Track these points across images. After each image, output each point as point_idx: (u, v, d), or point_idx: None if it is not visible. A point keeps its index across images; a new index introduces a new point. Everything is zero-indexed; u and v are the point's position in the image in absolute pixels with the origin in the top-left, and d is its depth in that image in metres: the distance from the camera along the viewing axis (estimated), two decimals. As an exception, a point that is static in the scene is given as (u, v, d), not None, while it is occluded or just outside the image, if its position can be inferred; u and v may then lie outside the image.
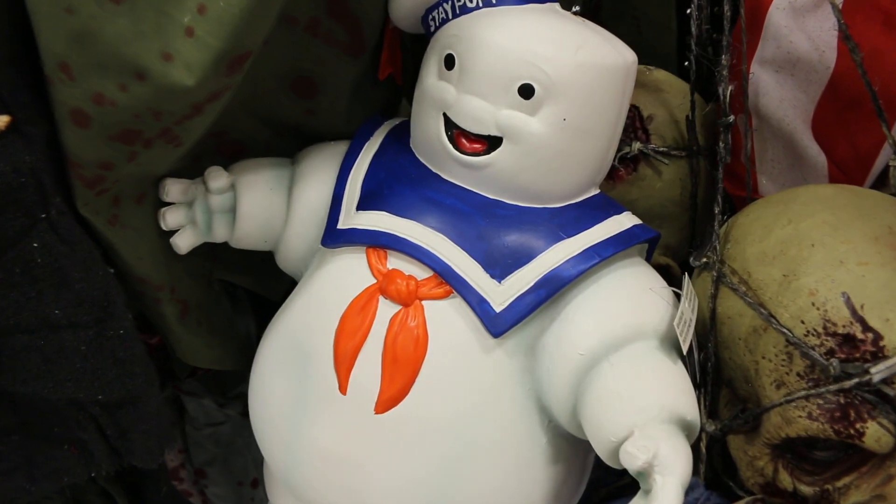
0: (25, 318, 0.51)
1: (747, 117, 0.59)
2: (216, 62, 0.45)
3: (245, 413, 0.88)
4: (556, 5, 0.52)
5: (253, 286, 0.69)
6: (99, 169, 0.50)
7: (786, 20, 0.58)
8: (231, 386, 0.86)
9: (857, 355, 0.45)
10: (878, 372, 0.44)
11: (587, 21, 0.52)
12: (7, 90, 0.47)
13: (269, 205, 0.57)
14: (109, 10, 0.44)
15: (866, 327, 0.45)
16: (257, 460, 0.92)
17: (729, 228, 0.55)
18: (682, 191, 0.63)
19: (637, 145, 0.61)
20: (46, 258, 0.50)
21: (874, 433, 0.45)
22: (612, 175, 0.61)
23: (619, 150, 0.59)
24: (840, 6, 0.57)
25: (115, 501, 0.73)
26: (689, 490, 0.53)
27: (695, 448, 0.54)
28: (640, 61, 0.64)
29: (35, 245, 0.50)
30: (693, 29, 0.60)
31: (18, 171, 0.47)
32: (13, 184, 0.47)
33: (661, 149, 0.62)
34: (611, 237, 0.50)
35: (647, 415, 0.45)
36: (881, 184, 0.59)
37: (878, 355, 0.45)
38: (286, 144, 0.60)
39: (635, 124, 0.62)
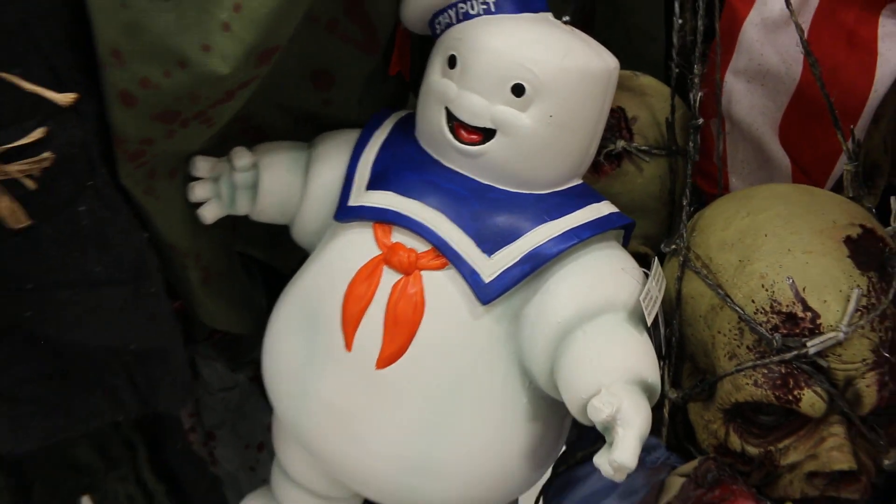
0: (71, 274, 0.58)
1: (720, 122, 0.66)
2: (248, 54, 0.52)
3: (254, 378, 0.95)
4: (549, 15, 0.59)
5: (268, 258, 0.76)
6: (140, 144, 0.57)
7: (758, 35, 0.64)
8: (242, 353, 0.93)
9: (798, 331, 0.52)
10: (813, 346, 0.51)
11: (575, 30, 0.59)
12: (65, 70, 0.53)
13: (287, 183, 0.64)
14: (158, 6, 0.50)
15: (806, 307, 0.52)
16: (264, 425, 0.99)
17: (697, 220, 0.61)
18: (661, 187, 0.70)
19: (621, 143, 0.68)
20: (91, 221, 0.57)
21: (809, 399, 0.52)
22: (597, 170, 0.67)
23: (604, 147, 0.66)
24: (809, 23, 0.64)
25: (136, 450, 0.80)
26: (652, 450, 0.61)
27: (659, 414, 0.61)
28: (630, 67, 0.71)
29: (82, 209, 0.57)
30: (674, 40, 0.66)
31: (72, 143, 0.54)
32: (66, 155, 0.54)
33: (643, 147, 0.68)
34: (589, 221, 0.57)
35: (613, 376, 0.52)
36: (840, 186, 0.65)
37: (815, 332, 0.52)
38: (304, 130, 0.67)
39: (620, 124, 0.69)
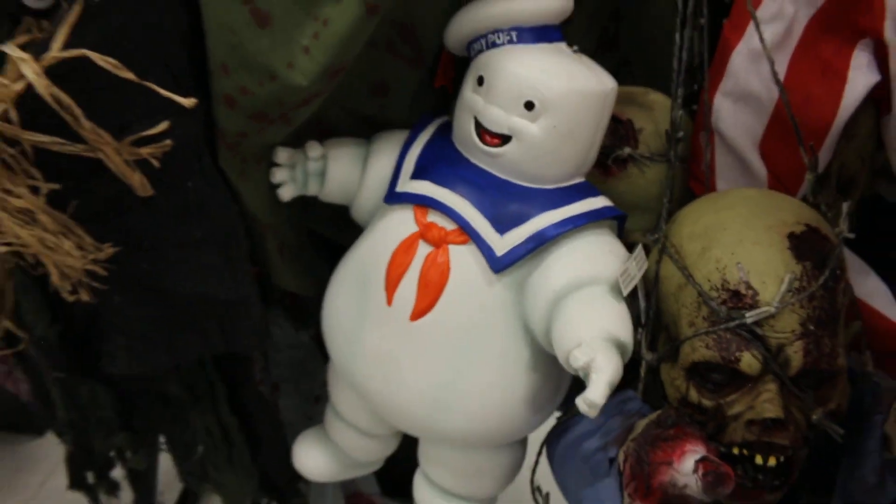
0: (179, 237, 0.78)
1: (709, 135, 0.81)
2: (322, 72, 0.70)
3: (314, 338, 1.14)
4: (563, 45, 0.75)
5: (330, 233, 0.94)
6: (237, 137, 0.76)
7: (744, 63, 0.79)
8: (306, 316, 1.12)
9: (741, 305, 0.67)
10: (751, 317, 0.66)
11: (583, 56, 0.75)
12: (184, 78, 0.73)
13: (349, 172, 0.82)
14: (257, 33, 0.69)
15: (749, 287, 0.67)
16: (321, 381, 1.18)
17: (677, 215, 0.77)
18: (660, 188, 0.85)
19: (627, 150, 0.83)
20: (196, 196, 0.77)
21: (747, 360, 0.67)
22: (606, 171, 0.84)
23: (613, 152, 0.82)
24: (791, 54, 0.78)
25: (216, 389, 1.00)
26: (629, 401, 0.77)
27: (636, 372, 0.77)
28: (649, 84, 0.86)
29: (189, 185, 0.76)
30: (675, 64, 0.81)
31: (186, 134, 0.73)
32: (182, 143, 0.73)
33: (646, 155, 0.84)
34: (584, 212, 0.73)
35: (592, 333, 0.68)
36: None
37: (754, 306, 0.67)
38: (364, 129, 0.85)
39: (628, 134, 0.84)
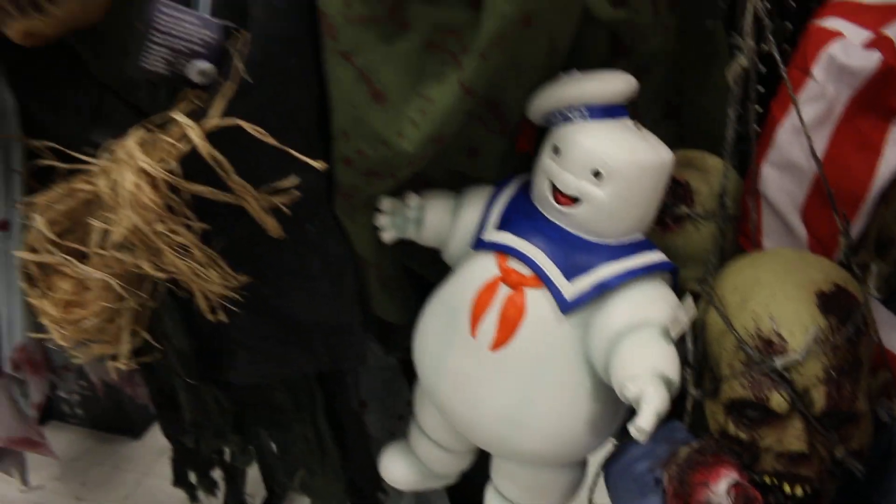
0: (298, 269, 0.95)
1: (755, 199, 0.94)
2: (426, 141, 0.86)
3: (401, 361, 1.30)
4: (627, 120, 0.89)
5: (422, 270, 1.10)
6: (351, 189, 0.92)
7: (788, 136, 0.92)
8: (394, 342, 1.28)
9: (772, 352, 0.80)
10: (780, 362, 0.79)
11: (644, 131, 0.89)
12: (312, 140, 0.90)
13: (442, 220, 0.98)
14: (374, 107, 0.86)
15: (779, 336, 0.80)
16: (404, 401, 1.34)
17: (723, 269, 0.90)
18: (712, 244, 0.98)
19: (684, 209, 0.97)
20: (315, 236, 0.94)
21: (777, 399, 0.80)
22: (665, 226, 0.97)
23: (672, 210, 0.96)
24: (834, 128, 0.91)
25: (316, 401, 1.17)
26: (676, 430, 0.90)
27: (683, 406, 0.90)
28: (706, 148, 1.00)
29: (309, 227, 0.93)
30: (728, 135, 0.94)
31: (311, 187, 0.90)
32: (306, 193, 0.90)
33: (701, 213, 0.97)
34: (642, 265, 0.87)
35: (644, 369, 0.81)
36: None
37: (783, 353, 0.80)
38: (456, 183, 1.00)
39: (686, 194, 0.98)
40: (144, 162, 0.83)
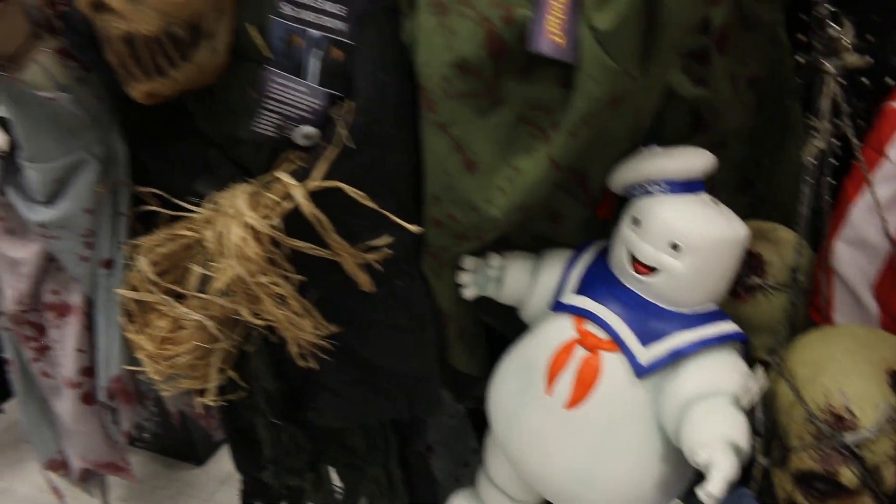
0: (384, 321, 1.01)
1: (827, 273, 0.98)
2: (514, 209, 0.92)
3: (468, 410, 1.35)
4: (705, 195, 0.94)
5: (497, 325, 1.15)
6: (439, 250, 0.99)
7: (862, 214, 0.95)
8: (464, 391, 1.33)
9: (843, 427, 0.83)
10: (850, 438, 0.82)
11: (721, 205, 0.94)
12: (405, 202, 0.96)
13: (522, 280, 1.04)
14: (466, 175, 0.92)
15: (850, 412, 0.83)
16: (469, 448, 1.38)
17: (794, 341, 0.94)
18: (782, 315, 1.02)
19: (755, 279, 1.01)
20: (402, 291, 1.00)
21: (847, 475, 0.83)
22: (736, 296, 1.01)
23: (743, 280, 1.00)
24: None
25: (389, 445, 1.22)
26: (744, 497, 0.93)
27: (751, 472, 0.93)
28: (778, 220, 1.04)
29: (397, 283, 0.99)
30: (801, 211, 0.98)
31: (403, 247, 0.97)
32: (398, 252, 0.96)
33: (772, 284, 1.01)
34: (716, 335, 0.91)
35: (714, 436, 0.85)
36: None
37: (854, 429, 0.83)
38: (536, 245, 1.06)
39: (757, 265, 1.02)
40: (251, 218, 0.90)
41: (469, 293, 1.05)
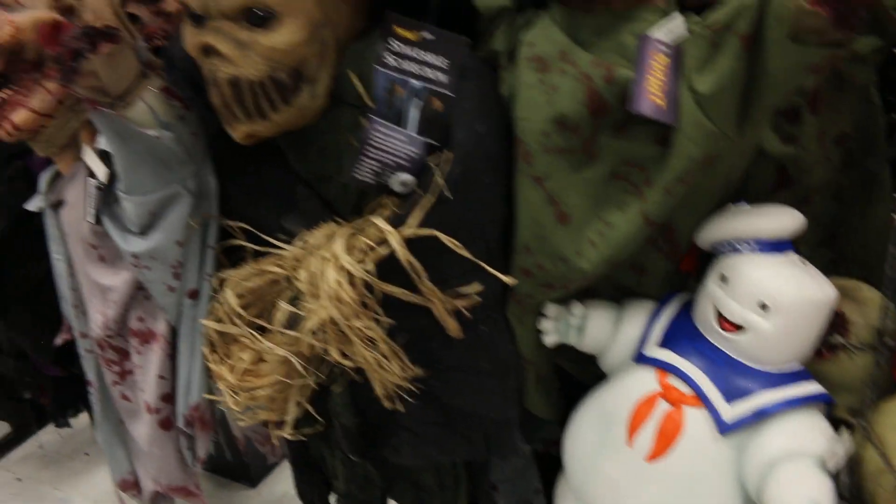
0: (468, 365, 1.03)
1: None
2: (603, 262, 0.94)
3: (534, 451, 1.36)
4: (793, 254, 0.95)
5: (577, 373, 1.17)
6: (525, 297, 1.01)
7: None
8: (535, 434, 1.34)
9: (930, 495, 0.84)
10: (938, 507, 0.83)
11: (809, 265, 0.95)
12: (496, 251, 0.98)
13: (604, 329, 1.05)
14: (558, 227, 0.94)
15: (939, 480, 0.84)
16: (533, 488, 1.39)
17: (882, 404, 0.94)
18: (866, 375, 1.02)
19: (838, 338, 1.01)
20: (486, 336, 1.02)
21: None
22: (818, 354, 1.02)
23: (825, 339, 1.01)
24: None
25: (459, 483, 1.24)
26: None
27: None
28: (861, 277, 1.05)
29: (482, 328, 1.02)
30: (888, 271, 0.99)
31: (490, 294, 0.99)
32: (485, 299, 0.99)
33: (856, 344, 1.02)
34: (801, 396, 0.92)
35: (799, 499, 0.86)
36: None
37: (942, 499, 0.83)
38: (618, 295, 1.07)
39: (841, 324, 1.02)
40: (348, 262, 0.93)
41: (550, 340, 1.07)
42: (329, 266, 0.95)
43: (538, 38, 0.94)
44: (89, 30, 1.00)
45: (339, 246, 0.95)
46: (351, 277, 0.94)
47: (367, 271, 0.94)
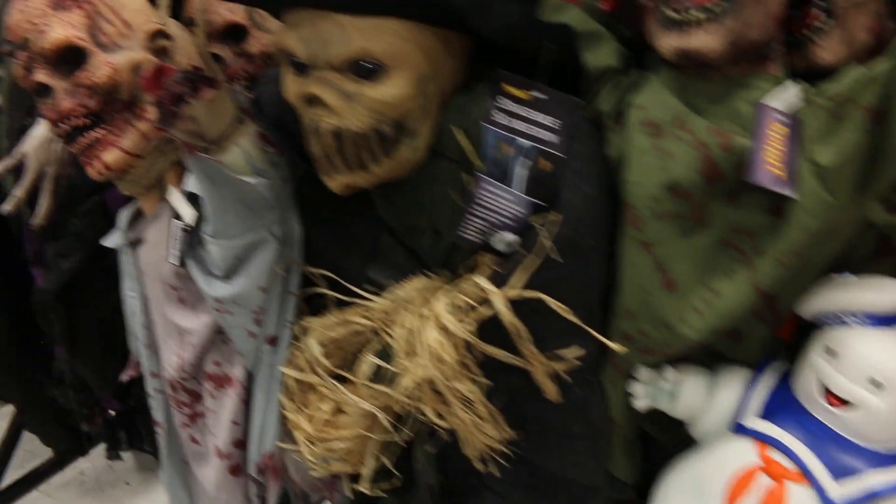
0: (560, 428, 1.01)
1: None
2: (709, 330, 0.92)
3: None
4: (902, 331, 0.93)
5: (664, 438, 1.14)
6: (622, 362, 0.99)
7: None
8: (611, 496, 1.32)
9: None
10: None
11: (919, 344, 0.93)
12: (596, 314, 0.97)
13: (697, 396, 1.03)
14: (664, 294, 0.92)
15: None
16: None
17: None
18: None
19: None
20: (581, 399, 1.00)
21: None
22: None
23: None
24: None
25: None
26: None
27: None
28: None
29: (577, 391, 1.00)
30: None
31: (589, 357, 0.97)
32: (584, 362, 0.97)
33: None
34: (911, 477, 0.90)
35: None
36: None
37: None
38: (710, 360, 1.05)
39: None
40: (450, 322, 0.91)
41: (642, 404, 1.05)
42: (429, 324, 0.94)
43: (650, 101, 0.93)
44: (191, 74, 0.99)
45: (441, 304, 0.94)
46: (452, 337, 0.93)
47: (469, 331, 0.93)
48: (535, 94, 0.93)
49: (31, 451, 2.18)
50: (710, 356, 1.06)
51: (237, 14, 1.33)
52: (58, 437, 1.86)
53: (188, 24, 1.29)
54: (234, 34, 1.34)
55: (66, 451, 2.02)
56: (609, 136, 0.97)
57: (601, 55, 0.97)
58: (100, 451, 1.99)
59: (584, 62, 0.96)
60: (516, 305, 0.93)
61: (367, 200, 1.10)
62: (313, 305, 1.17)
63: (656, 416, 1.08)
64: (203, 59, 1.27)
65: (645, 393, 1.05)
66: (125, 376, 1.38)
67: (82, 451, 1.96)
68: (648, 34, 0.93)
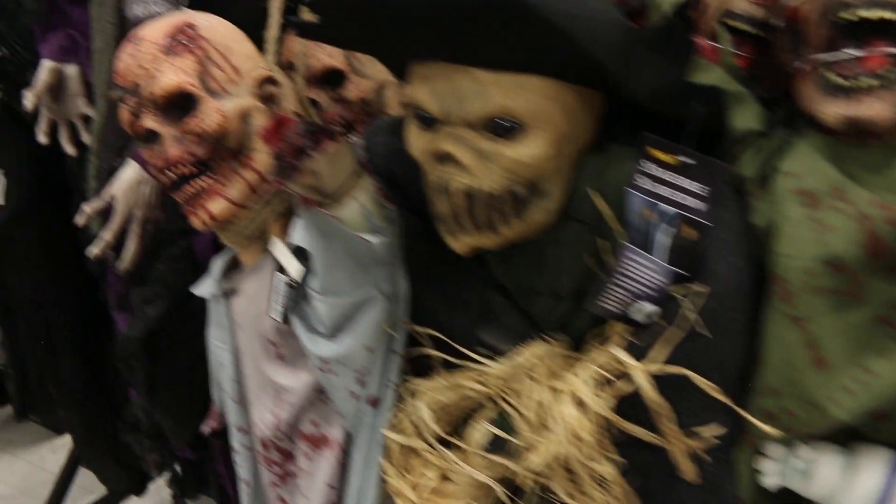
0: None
1: None
2: (864, 413, 0.87)
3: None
4: None
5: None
6: (759, 439, 0.93)
7: None
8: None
9: None
10: None
11: None
12: (735, 389, 0.92)
13: (832, 477, 0.97)
14: (812, 371, 0.87)
15: None
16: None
17: None
18: None
19: None
20: (712, 477, 0.95)
21: None
22: None
23: None
24: None
25: None
26: None
27: None
28: None
29: (709, 468, 0.94)
30: None
31: (727, 436, 0.92)
32: (721, 440, 0.92)
33: None
34: None
35: None
36: None
37: None
38: (846, 439, 1.00)
39: None
40: (589, 397, 0.86)
41: (770, 482, 1.00)
42: (564, 398, 0.89)
43: (803, 169, 0.88)
44: (313, 127, 0.95)
45: (580, 379, 0.89)
46: (590, 413, 0.88)
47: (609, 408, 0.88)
48: (683, 158, 0.89)
49: (83, 487, 2.14)
50: (844, 434, 1.00)
51: (335, 59, 1.30)
52: (116, 476, 1.81)
53: (287, 68, 1.26)
54: (331, 79, 1.30)
55: (119, 490, 1.97)
56: (754, 203, 0.92)
57: (747, 117, 0.93)
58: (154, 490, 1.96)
59: (731, 125, 0.92)
60: (657, 381, 0.88)
61: (478, 258, 1.05)
62: (417, 366, 1.13)
63: (786, 496, 1.03)
64: (302, 105, 1.24)
65: (776, 470, 0.99)
66: (206, 427, 1.34)
67: (138, 490, 1.92)
68: (801, 98, 0.89)
